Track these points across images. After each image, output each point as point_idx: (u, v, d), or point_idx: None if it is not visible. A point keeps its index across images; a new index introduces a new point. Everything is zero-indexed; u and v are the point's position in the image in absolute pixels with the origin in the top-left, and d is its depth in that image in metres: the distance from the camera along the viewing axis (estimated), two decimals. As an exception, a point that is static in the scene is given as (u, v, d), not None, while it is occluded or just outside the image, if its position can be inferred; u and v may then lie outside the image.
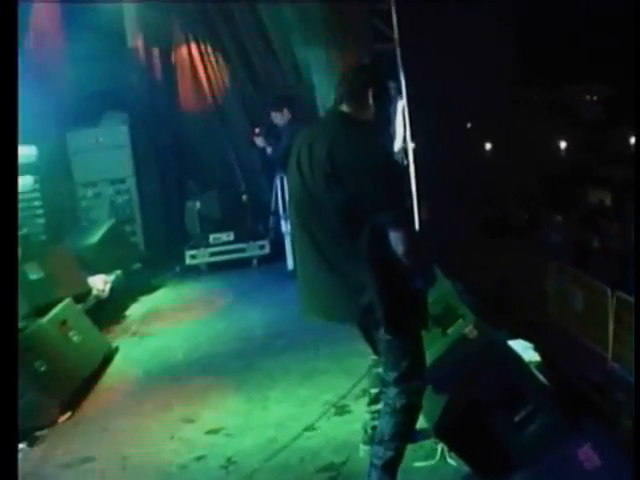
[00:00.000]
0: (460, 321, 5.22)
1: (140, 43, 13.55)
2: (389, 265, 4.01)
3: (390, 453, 4.19)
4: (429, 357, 4.62)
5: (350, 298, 4.12)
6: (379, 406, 4.76)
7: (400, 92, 11.36)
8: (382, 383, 4.42)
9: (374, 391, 4.99)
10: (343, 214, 4.00)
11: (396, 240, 3.94)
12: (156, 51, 13.84)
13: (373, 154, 4.03)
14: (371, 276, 4.01)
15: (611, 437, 4.52)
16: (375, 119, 4.28)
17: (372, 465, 4.23)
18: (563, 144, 39.39)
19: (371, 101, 4.20)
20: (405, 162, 11.20)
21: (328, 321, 4.57)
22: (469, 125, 36.25)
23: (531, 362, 5.12)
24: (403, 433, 4.28)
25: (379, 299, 4.02)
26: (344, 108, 4.24)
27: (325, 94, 9.94)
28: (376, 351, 4.59)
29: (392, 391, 4.23)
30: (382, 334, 4.15)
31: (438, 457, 4.87)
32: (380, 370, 4.66)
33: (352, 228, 4.01)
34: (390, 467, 4.20)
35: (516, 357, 4.84)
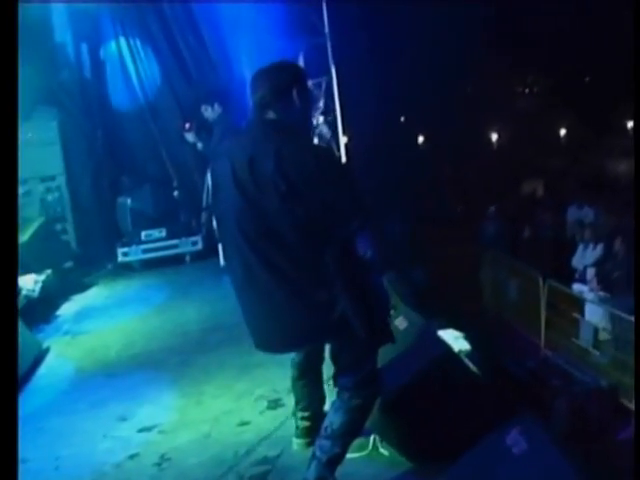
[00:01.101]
0: (392, 312, 5.24)
1: (69, 38, 13.36)
2: (359, 271, 3.90)
3: (337, 449, 4.13)
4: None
5: (317, 317, 3.93)
6: (307, 414, 4.90)
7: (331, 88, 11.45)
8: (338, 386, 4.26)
9: (302, 404, 4.95)
10: (304, 230, 3.80)
11: (365, 244, 3.80)
12: (85, 46, 13.66)
13: (323, 159, 3.87)
14: (342, 287, 3.85)
15: (541, 422, 4.57)
16: (303, 121, 4.14)
17: (315, 458, 4.14)
18: (495, 135, 39.88)
19: (297, 102, 4.03)
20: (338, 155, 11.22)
21: (291, 351, 4.54)
22: (403, 119, 36.55)
23: (461, 351, 5.15)
24: (352, 432, 4.23)
25: (354, 307, 3.87)
26: (270, 115, 4.01)
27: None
28: (302, 365, 4.68)
29: (349, 392, 4.14)
30: (352, 344, 4.02)
31: (371, 447, 4.89)
32: (307, 385, 4.81)
33: (314, 243, 3.83)
34: (333, 463, 4.15)
35: (445, 347, 4.87)
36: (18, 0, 4.52)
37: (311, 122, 4.21)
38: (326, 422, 4.21)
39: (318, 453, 4.15)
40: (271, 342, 4.24)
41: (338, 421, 4.13)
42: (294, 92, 4.02)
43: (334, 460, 4.15)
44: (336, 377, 4.25)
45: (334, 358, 4.25)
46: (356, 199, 3.83)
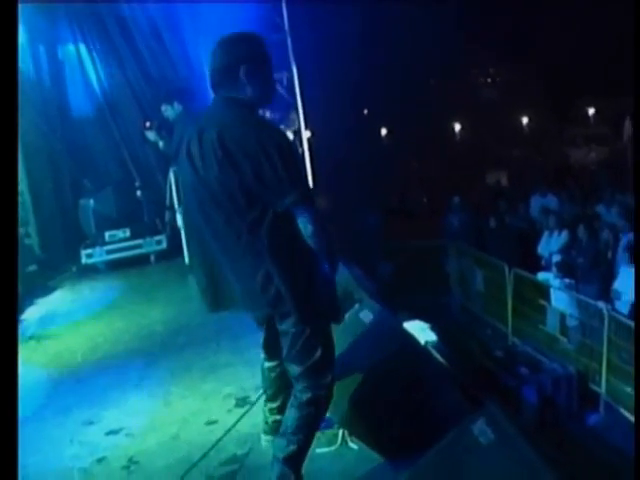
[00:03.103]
0: (357, 306, 5.23)
1: (25, 40, 13.19)
2: (294, 251, 3.90)
3: (292, 447, 4.09)
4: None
5: (257, 289, 3.97)
6: (276, 404, 4.76)
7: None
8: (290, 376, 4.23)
9: (270, 391, 4.90)
10: (239, 201, 3.85)
11: (304, 221, 3.81)
12: (42, 48, 13.49)
13: (265, 134, 3.84)
14: (276, 265, 3.89)
15: (508, 411, 4.58)
16: (258, 97, 4.07)
17: (274, 457, 4.13)
18: (458, 126, 40.08)
19: (246, 78, 3.98)
20: (300, 150, 11.22)
21: (236, 312, 4.46)
22: (366, 111, 36.63)
23: (428, 342, 5.17)
24: (307, 427, 4.16)
25: (287, 288, 3.90)
26: (223, 92, 4.04)
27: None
28: (270, 348, 4.51)
29: (299, 384, 4.10)
30: (289, 326, 4.00)
31: (339, 442, 4.88)
32: (274, 368, 4.64)
33: (249, 216, 3.87)
34: (292, 460, 4.10)
35: (411, 339, 4.87)
36: (18, 0, 4.44)
37: (264, 98, 4.04)
38: (283, 419, 4.22)
39: (276, 452, 4.14)
40: (217, 301, 4.29)
41: (291, 417, 4.12)
42: (242, 70, 3.97)
43: (292, 457, 4.11)
44: (286, 365, 4.21)
45: (282, 343, 4.16)
46: (293, 176, 3.81)
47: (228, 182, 3.84)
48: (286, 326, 4.03)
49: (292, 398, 4.17)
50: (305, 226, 3.82)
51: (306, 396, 4.08)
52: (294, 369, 4.11)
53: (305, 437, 4.16)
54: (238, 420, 5.27)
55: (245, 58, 4.01)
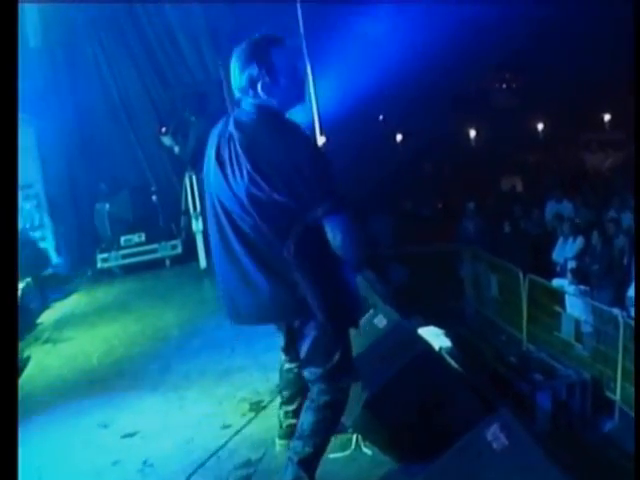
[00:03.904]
0: (371, 311, 5.23)
1: (44, 44, 13.28)
2: (321, 258, 3.85)
3: (308, 449, 4.07)
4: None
5: (282, 295, 3.92)
6: (292, 407, 4.71)
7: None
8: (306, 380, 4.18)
9: (286, 393, 4.89)
10: (268, 210, 3.79)
11: (333, 231, 3.75)
12: (60, 52, 13.58)
13: (295, 144, 3.76)
14: (302, 273, 3.83)
15: (522, 417, 4.58)
16: (288, 101, 4.00)
17: (289, 459, 4.11)
18: (473, 131, 39.97)
19: (276, 84, 3.88)
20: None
21: (257, 325, 4.43)
22: (381, 117, 36.60)
23: (442, 348, 5.16)
24: (324, 430, 4.14)
25: (313, 295, 3.84)
26: (250, 97, 3.92)
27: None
28: (291, 350, 4.42)
29: (317, 387, 4.07)
30: (310, 329, 3.97)
31: (353, 447, 4.87)
32: (292, 370, 4.59)
33: (278, 224, 3.81)
34: (307, 463, 4.08)
35: (426, 344, 4.87)
36: (18, 0, 4.46)
37: (295, 100, 3.90)
38: (299, 422, 4.18)
39: (291, 455, 4.11)
40: (240, 314, 4.22)
41: (308, 420, 4.09)
42: (271, 76, 3.88)
43: (307, 460, 4.08)
44: (303, 368, 4.16)
45: (300, 346, 4.12)
46: (324, 186, 3.74)
47: (258, 192, 3.78)
48: (307, 329, 4.00)
49: (309, 401, 4.14)
50: (335, 236, 3.76)
51: (324, 399, 4.06)
52: (312, 372, 4.08)
53: (321, 440, 4.14)
54: (249, 421, 5.28)
55: (273, 63, 3.90)
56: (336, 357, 4.02)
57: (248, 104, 3.99)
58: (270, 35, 4.08)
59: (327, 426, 4.17)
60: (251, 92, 3.94)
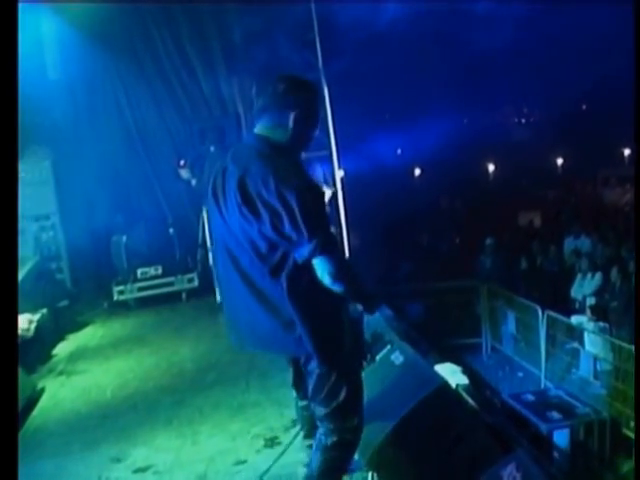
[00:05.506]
0: (388, 347, 5.19)
1: (62, 76, 13.36)
2: (317, 294, 3.76)
3: None
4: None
5: (280, 332, 3.86)
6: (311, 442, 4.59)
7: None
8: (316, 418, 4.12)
9: (306, 428, 4.80)
10: (259, 245, 3.76)
11: (322, 272, 3.68)
12: (79, 84, 13.67)
13: (286, 182, 3.65)
14: (297, 310, 3.77)
15: (538, 457, 4.50)
16: (295, 143, 3.93)
17: None
18: (492, 166, 39.99)
19: (292, 124, 3.85)
20: (333, 190, 11.23)
21: (262, 352, 4.36)
22: (399, 151, 36.72)
23: (459, 385, 5.09)
24: (333, 470, 4.06)
25: (309, 332, 3.78)
26: (258, 129, 3.92)
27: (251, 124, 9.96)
28: (299, 388, 4.38)
29: (324, 427, 4.00)
30: (314, 367, 3.89)
31: (368, 485, 4.81)
32: (307, 407, 4.50)
33: (270, 260, 3.77)
34: None
35: (442, 382, 4.81)
36: (18, 0, 4.47)
37: (301, 146, 3.82)
38: (310, 461, 4.12)
39: None
40: (244, 340, 4.16)
41: (316, 460, 4.02)
42: (291, 116, 3.85)
43: None
44: (312, 406, 4.09)
45: (307, 383, 4.04)
46: (311, 227, 3.64)
47: (248, 227, 3.76)
48: (311, 367, 3.93)
49: (317, 441, 4.07)
50: (323, 276, 3.69)
51: (331, 440, 3.98)
52: (319, 410, 4.00)
53: None
54: (276, 459, 5.21)
55: (298, 106, 3.88)
56: (342, 396, 3.93)
57: (253, 134, 3.97)
58: (309, 81, 4.10)
59: (336, 466, 4.09)
60: (263, 123, 3.93)
